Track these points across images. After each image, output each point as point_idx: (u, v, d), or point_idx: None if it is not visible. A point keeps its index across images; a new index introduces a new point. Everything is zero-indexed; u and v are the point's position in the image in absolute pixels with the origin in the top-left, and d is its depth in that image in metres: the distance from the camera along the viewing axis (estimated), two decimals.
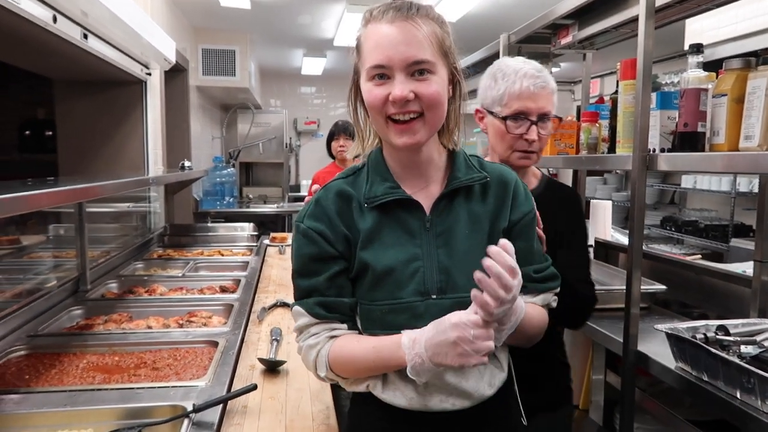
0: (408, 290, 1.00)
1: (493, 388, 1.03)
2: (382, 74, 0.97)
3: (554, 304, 1.10)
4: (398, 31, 0.96)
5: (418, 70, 0.96)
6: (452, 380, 1.00)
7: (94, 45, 2.31)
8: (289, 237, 3.88)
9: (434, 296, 0.99)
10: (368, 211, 1.03)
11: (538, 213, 1.12)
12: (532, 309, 1.03)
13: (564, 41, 2.28)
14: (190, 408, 1.21)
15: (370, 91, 0.99)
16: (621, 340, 1.52)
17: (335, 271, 1.03)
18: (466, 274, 0.94)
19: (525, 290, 0.99)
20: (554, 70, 6.33)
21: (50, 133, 5.40)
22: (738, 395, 1.14)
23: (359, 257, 1.02)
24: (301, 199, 7.71)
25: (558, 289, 1.09)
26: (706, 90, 1.39)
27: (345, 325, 1.04)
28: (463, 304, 0.92)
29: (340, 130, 3.97)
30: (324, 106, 8.53)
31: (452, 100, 1.04)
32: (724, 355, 1.17)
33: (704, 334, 1.28)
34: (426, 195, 1.05)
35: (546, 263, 1.09)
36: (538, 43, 2.49)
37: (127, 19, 2.35)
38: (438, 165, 1.06)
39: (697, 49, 1.45)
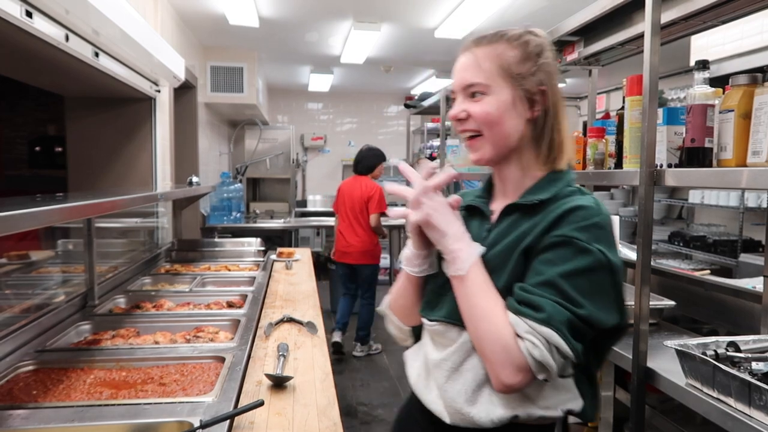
0: (437, 282, 1.10)
1: (485, 417, 0.99)
2: (455, 97, 1.11)
3: (528, 346, 0.92)
4: (463, 60, 1.09)
5: (471, 92, 1.06)
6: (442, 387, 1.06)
7: (105, 63, 2.35)
8: (295, 252, 3.89)
9: (451, 292, 1.04)
10: (464, 216, 1.12)
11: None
12: (494, 306, 0.97)
13: (570, 57, 2.29)
14: (197, 424, 1.20)
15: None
16: (630, 357, 1.51)
17: None
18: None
19: (507, 302, 0.98)
20: (560, 85, 6.36)
21: (60, 149, 5.46)
22: (749, 412, 1.12)
23: None
24: (307, 214, 7.74)
25: (535, 324, 0.92)
26: (712, 106, 1.39)
27: None
28: (449, 303, 1.04)
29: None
30: (331, 122, 8.59)
31: (537, 122, 1.07)
32: (735, 372, 1.16)
33: (715, 351, 1.27)
34: (500, 209, 1.10)
35: (540, 292, 0.94)
36: None
37: (137, 37, 2.38)
38: (521, 185, 1.09)
39: (704, 65, 1.45)
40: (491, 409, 0.99)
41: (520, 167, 1.09)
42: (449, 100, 1.14)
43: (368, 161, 4.80)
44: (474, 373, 1.01)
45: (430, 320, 1.09)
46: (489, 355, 0.96)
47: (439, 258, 1.09)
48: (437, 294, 1.10)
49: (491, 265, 1.02)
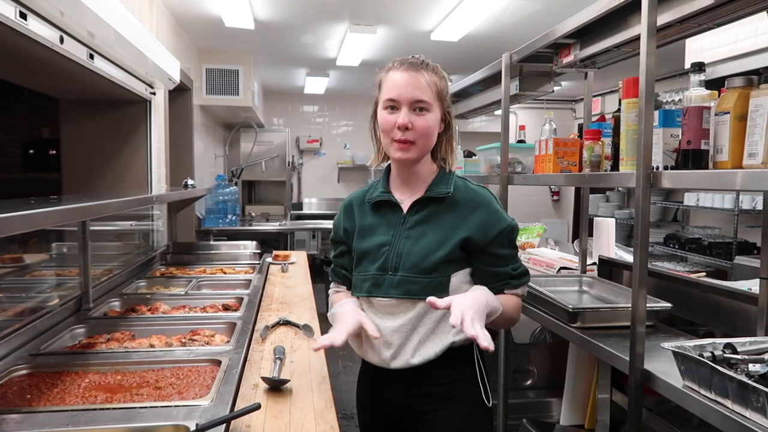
0: (375, 266, 1.41)
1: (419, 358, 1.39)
2: (393, 106, 1.37)
3: (525, 293, 1.47)
4: (409, 77, 1.36)
5: (418, 107, 1.35)
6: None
7: (100, 65, 2.34)
8: (291, 255, 3.88)
9: (390, 273, 1.39)
10: (368, 209, 1.49)
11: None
12: (508, 300, 1.41)
13: (565, 60, 2.29)
14: (192, 428, 1.20)
15: (384, 117, 1.39)
16: (627, 359, 1.51)
17: (341, 251, 1.55)
18: (414, 259, 1.37)
19: (508, 285, 1.41)
20: (555, 88, 6.39)
21: (54, 151, 5.44)
22: (747, 414, 1.12)
23: (355, 242, 1.48)
24: (303, 217, 7.73)
25: (529, 279, 1.47)
26: (708, 108, 1.40)
27: (344, 287, 1.57)
28: (407, 282, 1.37)
29: None
30: (326, 124, 8.59)
31: (444, 133, 1.45)
32: (732, 373, 1.16)
33: (711, 353, 1.27)
34: (409, 200, 1.44)
35: (519, 263, 1.44)
36: (539, 62, 2.51)
37: (132, 39, 2.37)
38: (425, 179, 1.45)
39: (699, 67, 1.46)
40: (427, 352, 1.38)
41: (427, 167, 1.45)
42: None
43: None
44: (425, 329, 1.38)
45: (383, 297, 1.40)
46: (513, 321, 1.47)
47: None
48: (379, 276, 1.40)
49: (428, 240, 1.37)
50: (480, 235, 1.37)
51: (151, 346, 1.79)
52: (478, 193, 1.43)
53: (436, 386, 1.40)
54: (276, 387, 1.56)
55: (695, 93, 1.43)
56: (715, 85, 1.52)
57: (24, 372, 1.56)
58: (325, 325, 1.61)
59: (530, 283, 1.56)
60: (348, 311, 1.40)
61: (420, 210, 1.42)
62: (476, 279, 1.41)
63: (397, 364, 1.40)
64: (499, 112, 2.71)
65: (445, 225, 1.39)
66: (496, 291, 1.39)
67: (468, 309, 1.22)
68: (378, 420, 1.52)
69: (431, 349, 1.37)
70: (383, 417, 1.50)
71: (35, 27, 1.73)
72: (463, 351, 1.41)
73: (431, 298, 1.27)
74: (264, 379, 1.57)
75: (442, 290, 1.35)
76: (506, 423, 2.43)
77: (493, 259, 1.39)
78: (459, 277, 1.39)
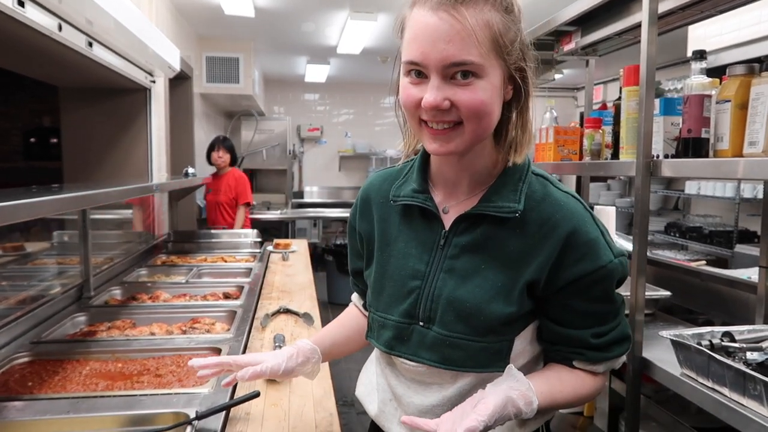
0: (400, 309, 0.94)
1: None
2: (419, 71, 0.83)
3: (620, 365, 0.99)
4: (440, 24, 0.79)
5: (459, 72, 0.81)
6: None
7: (99, 53, 2.33)
8: (292, 243, 3.88)
9: (421, 323, 0.92)
10: (394, 210, 1.00)
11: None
12: (572, 379, 0.94)
13: (567, 48, 2.28)
14: (192, 415, 1.20)
15: (405, 88, 0.86)
16: None
17: (356, 267, 1.13)
18: (460, 310, 0.89)
19: (580, 357, 0.93)
20: (557, 76, 6.35)
21: (55, 140, 5.44)
22: (744, 402, 1.13)
23: (375, 254, 1.01)
24: (304, 205, 7.74)
25: (628, 350, 0.98)
26: (709, 96, 1.39)
27: (363, 301, 1.16)
28: (446, 344, 0.89)
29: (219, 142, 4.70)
30: (327, 113, 8.56)
31: (513, 103, 0.90)
32: (729, 361, 1.16)
33: (710, 341, 1.27)
34: (455, 212, 0.94)
35: (611, 325, 0.93)
36: (540, 49, 2.49)
37: (131, 27, 2.36)
38: (483, 178, 0.93)
39: (701, 55, 1.45)
40: None
41: (487, 158, 0.93)
42: None
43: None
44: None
45: (410, 360, 0.94)
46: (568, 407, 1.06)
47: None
48: (405, 326, 0.94)
49: (483, 284, 0.89)
50: (547, 274, 0.88)
51: (152, 334, 1.80)
52: (563, 206, 0.89)
53: None
54: None
55: (696, 81, 1.42)
56: (719, 73, 1.51)
57: (25, 359, 1.57)
58: (325, 314, 1.62)
59: None
60: (285, 354, 1.06)
61: (469, 229, 0.91)
62: (539, 338, 0.96)
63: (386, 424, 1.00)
64: None
65: (511, 259, 0.89)
66: (560, 359, 0.95)
67: None
68: None
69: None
70: None
71: (33, 15, 1.72)
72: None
73: (407, 419, 0.85)
74: None
75: (501, 360, 0.90)
76: None
77: (568, 315, 0.91)
78: (525, 338, 0.94)
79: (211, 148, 4.74)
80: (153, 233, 3.66)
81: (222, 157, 4.66)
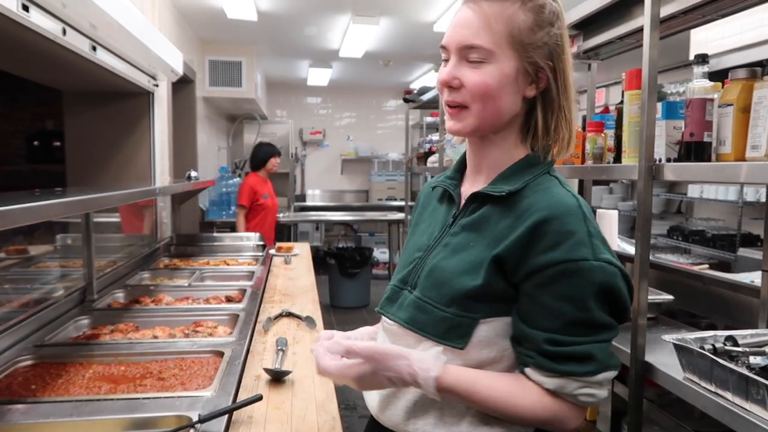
0: (400, 275, 1.03)
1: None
2: (447, 57, 0.95)
3: (587, 399, 0.87)
4: (464, 13, 0.93)
5: (470, 56, 0.91)
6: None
7: (102, 57, 2.34)
8: (294, 247, 3.88)
9: (409, 288, 0.99)
10: (433, 196, 1.10)
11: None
12: (517, 387, 0.88)
13: None
14: (195, 418, 1.21)
15: (439, 71, 0.97)
16: (628, 351, 1.51)
17: None
18: (437, 278, 0.94)
19: (531, 361, 0.87)
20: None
21: (59, 143, 5.45)
22: (747, 407, 1.12)
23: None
24: (307, 208, 7.74)
25: (593, 377, 0.86)
26: (711, 100, 1.39)
27: None
28: (418, 306, 0.94)
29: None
30: (330, 116, 8.58)
31: (540, 99, 0.95)
32: (732, 366, 1.16)
33: (712, 345, 1.27)
34: (469, 192, 1.00)
35: (577, 338, 0.85)
36: None
37: (135, 31, 2.37)
38: (498, 167, 0.98)
39: (703, 59, 1.45)
40: (426, 426, 0.93)
41: (498, 149, 0.98)
42: None
43: (258, 156, 4.91)
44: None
45: (389, 318, 1.01)
46: (544, 427, 0.90)
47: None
48: (397, 290, 1.01)
49: (464, 257, 0.93)
50: (516, 257, 0.87)
51: (155, 337, 1.80)
52: (553, 197, 0.90)
53: None
54: (278, 378, 1.57)
55: (698, 85, 1.42)
56: (721, 76, 1.51)
57: (29, 363, 1.57)
58: (327, 317, 1.62)
59: None
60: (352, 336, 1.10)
61: (475, 210, 0.97)
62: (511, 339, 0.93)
63: (385, 419, 0.99)
64: None
65: (495, 238, 0.91)
66: (520, 363, 0.91)
67: (343, 379, 0.89)
68: None
69: (431, 425, 0.92)
70: None
71: (37, 19, 1.73)
72: None
73: (317, 346, 0.93)
74: (266, 370, 1.58)
75: (459, 337, 0.90)
76: None
77: (531, 308, 0.88)
78: (493, 328, 0.91)
79: (271, 155, 4.82)
80: (156, 236, 3.66)
81: (278, 164, 4.89)
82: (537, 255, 0.86)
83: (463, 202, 1.00)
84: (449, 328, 0.90)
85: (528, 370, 0.88)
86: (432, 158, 4.30)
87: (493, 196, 0.94)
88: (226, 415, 1.26)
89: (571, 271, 0.84)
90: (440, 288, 0.93)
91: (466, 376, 0.88)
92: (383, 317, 1.04)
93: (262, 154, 4.84)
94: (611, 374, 0.87)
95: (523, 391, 0.87)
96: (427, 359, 0.87)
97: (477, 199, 0.97)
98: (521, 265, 0.87)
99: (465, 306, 0.90)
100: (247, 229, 4.62)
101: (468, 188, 1.02)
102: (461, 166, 1.07)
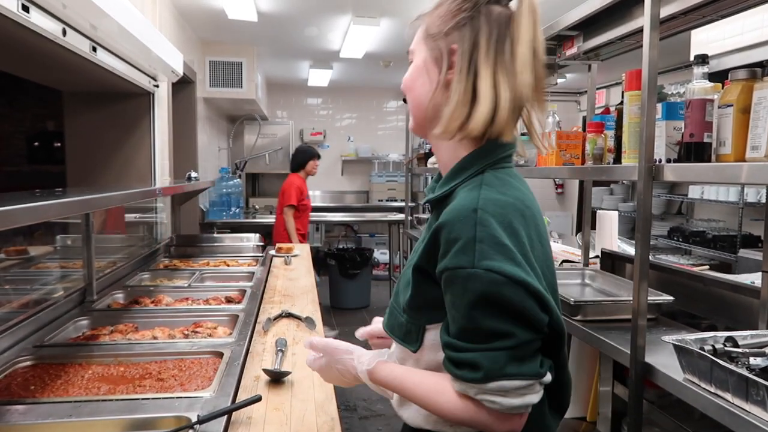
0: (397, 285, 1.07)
1: (411, 421, 0.99)
2: None
3: (491, 406, 0.84)
4: None
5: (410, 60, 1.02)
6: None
7: (102, 58, 2.34)
8: (294, 247, 3.88)
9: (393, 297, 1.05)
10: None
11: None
12: (434, 382, 0.90)
13: (569, 52, 2.28)
14: (194, 419, 1.20)
15: None
16: (628, 352, 1.51)
17: None
18: (398, 288, 1.01)
19: (444, 359, 0.89)
20: (560, 80, 6.34)
21: (59, 144, 5.46)
22: (747, 407, 1.12)
23: None
24: None
25: (484, 384, 0.83)
26: (711, 100, 1.39)
27: None
28: (391, 313, 1.02)
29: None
30: (330, 117, 8.58)
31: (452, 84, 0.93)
32: (732, 367, 1.16)
33: (712, 346, 1.27)
34: None
35: (467, 344, 0.84)
36: None
37: (135, 32, 2.37)
38: (447, 166, 0.98)
39: (703, 59, 1.45)
40: (415, 416, 0.97)
41: (445, 147, 0.97)
42: None
43: (298, 159, 5.19)
44: None
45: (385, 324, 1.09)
46: (470, 426, 0.89)
47: None
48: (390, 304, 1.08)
49: (407, 270, 0.98)
50: (429, 264, 0.90)
51: (154, 338, 1.80)
52: (456, 202, 0.89)
53: None
54: (277, 379, 1.57)
55: (698, 85, 1.42)
56: (721, 77, 1.51)
57: (28, 363, 1.57)
58: (328, 318, 1.62)
59: None
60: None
61: (430, 218, 1.01)
62: None
63: (395, 405, 1.04)
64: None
65: (417, 248, 0.97)
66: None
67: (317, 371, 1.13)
68: None
69: (411, 415, 0.98)
70: None
71: (37, 19, 1.73)
72: None
73: (308, 340, 1.13)
74: (266, 371, 1.58)
75: (413, 341, 0.95)
76: None
77: (448, 311, 0.89)
78: (437, 333, 0.91)
79: (311, 157, 5.06)
80: (155, 237, 3.67)
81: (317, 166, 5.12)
82: (437, 262, 0.87)
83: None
84: (405, 333, 0.96)
85: (444, 365, 0.89)
86: (432, 159, 4.30)
87: (432, 202, 0.97)
88: (226, 416, 1.26)
89: (451, 279, 0.84)
90: (398, 295, 1.00)
91: (397, 372, 0.96)
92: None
93: (303, 157, 5.11)
94: (510, 383, 0.82)
95: (443, 391, 0.88)
96: (367, 355, 1.01)
97: (428, 206, 1.01)
98: (432, 271, 0.89)
99: (410, 314, 0.95)
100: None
101: None
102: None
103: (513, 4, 0.93)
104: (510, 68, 0.90)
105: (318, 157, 5.19)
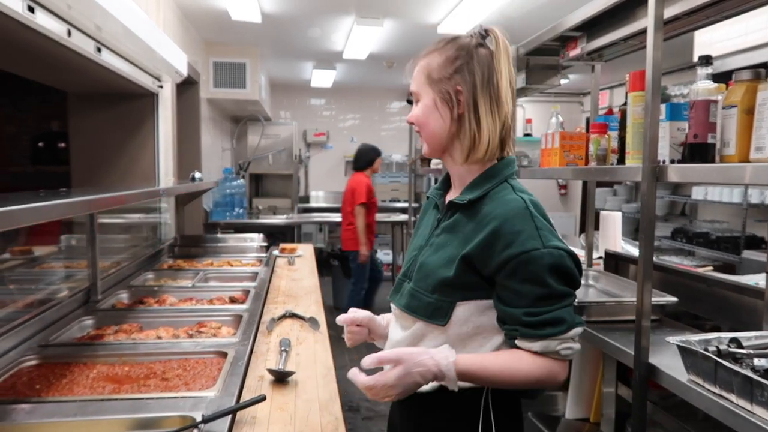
0: (403, 270, 1.27)
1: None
2: None
3: (567, 351, 1.09)
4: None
5: (414, 98, 1.23)
6: None
7: (107, 58, 2.35)
8: (298, 248, 3.89)
9: (408, 280, 1.24)
10: (429, 204, 1.33)
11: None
12: (515, 358, 1.09)
13: (572, 53, 2.28)
14: (199, 419, 1.21)
15: None
16: (632, 353, 1.51)
17: None
18: (425, 272, 1.18)
19: (517, 334, 1.09)
20: (563, 81, 6.34)
21: (63, 145, 5.47)
22: (751, 409, 1.12)
23: None
24: (310, 210, 7.74)
25: (566, 333, 1.08)
26: (715, 101, 1.39)
27: None
28: (413, 295, 1.19)
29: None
30: (333, 117, 8.58)
31: (462, 119, 1.17)
32: (737, 368, 1.16)
33: (717, 347, 1.26)
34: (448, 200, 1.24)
35: (545, 308, 1.07)
36: (546, 55, 2.50)
37: (139, 32, 2.38)
38: (466, 179, 1.21)
39: (707, 60, 1.45)
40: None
41: (453, 161, 1.22)
42: None
43: (365, 157, 5.21)
44: None
45: (395, 305, 1.26)
46: (539, 384, 1.10)
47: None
48: (401, 282, 1.27)
49: (442, 254, 1.16)
50: (483, 257, 1.10)
51: (159, 337, 1.81)
52: (502, 202, 1.13)
53: (428, 420, 1.20)
54: (281, 379, 1.57)
55: (702, 86, 1.42)
56: (725, 78, 1.51)
57: (33, 363, 1.58)
58: (331, 318, 1.62)
59: None
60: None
61: (452, 215, 1.20)
62: (497, 320, 1.15)
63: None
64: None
65: (463, 239, 1.14)
66: (509, 339, 1.12)
67: (387, 390, 1.07)
68: None
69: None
70: None
71: (43, 20, 1.74)
72: (466, 394, 1.13)
73: (352, 372, 1.10)
74: (270, 371, 1.59)
75: (441, 316, 1.14)
76: None
77: (506, 294, 1.09)
78: (468, 309, 1.13)
79: (377, 155, 5.10)
80: (160, 237, 3.67)
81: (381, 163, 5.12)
82: (498, 253, 1.08)
83: (445, 208, 1.23)
84: (434, 311, 1.15)
85: (517, 342, 1.09)
86: (435, 160, 4.30)
87: (460, 204, 1.17)
88: (230, 416, 1.26)
89: (525, 261, 1.06)
90: (426, 279, 1.17)
91: (474, 357, 1.10)
92: (391, 304, 1.28)
93: (370, 155, 5.14)
94: (579, 329, 1.10)
95: (520, 359, 1.09)
96: (443, 350, 1.09)
97: (452, 206, 1.20)
98: (488, 262, 1.09)
99: (444, 292, 1.14)
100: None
101: (449, 198, 1.25)
102: (446, 179, 1.30)
103: (490, 45, 1.16)
104: (497, 99, 1.15)
105: (381, 154, 5.26)
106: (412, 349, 1.11)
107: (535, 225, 1.09)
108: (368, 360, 1.08)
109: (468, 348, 1.14)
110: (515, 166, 1.23)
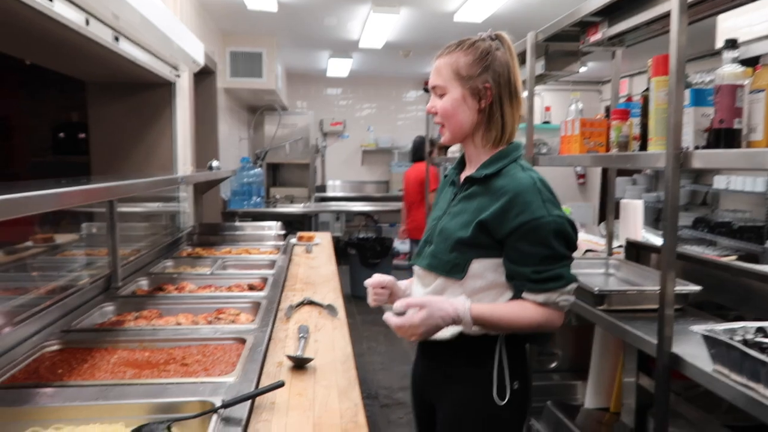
0: (425, 236, 1.47)
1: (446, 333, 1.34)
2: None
3: (564, 303, 1.31)
4: (433, 66, 1.41)
5: (438, 91, 1.39)
6: None
7: (125, 48, 2.36)
8: (315, 236, 3.90)
9: (429, 244, 1.43)
10: (446, 182, 1.53)
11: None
12: (522, 307, 1.31)
13: (593, 39, 2.24)
14: (218, 404, 1.22)
15: None
16: (654, 342, 1.49)
17: None
18: (445, 235, 1.38)
19: (525, 288, 1.31)
20: (582, 69, 6.25)
21: (83, 135, 5.53)
22: None
23: None
24: (327, 199, 7.75)
25: (565, 288, 1.30)
26: (742, 86, 1.35)
27: None
28: (434, 255, 1.39)
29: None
30: (350, 107, 8.57)
31: (488, 110, 1.36)
32: (764, 358, 1.14)
33: (743, 337, 1.24)
34: (464, 176, 1.43)
35: (549, 267, 1.28)
36: (565, 41, 2.46)
37: (157, 22, 2.38)
38: (482, 158, 1.41)
39: (733, 44, 1.41)
40: (447, 329, 1.32)
41: (474, 146, 1.42)
42: None
43: (423, 148, 5.13)
44: None
45: (417, 266, 1.45)
46: (539, 329, 1.32)
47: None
48: (423, 246, 1.46)
49: (459, 220, 1.36)
50: (497, 222, 1.30)
51: (178, 324, 1.82)
52: (515, 179, 1.32)
53: (448, 367, 1.40)
54: (300, 365, 1.57)
55: (728, 70, 1.38)
56: (749, 64, 1.47)
57: (56, 347, 1.60)
58: (349, 306, 1.62)
59: None
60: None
61: (468, 189, 1.40)
62: (507, 277, 1.35)
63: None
64: (524, 93, 2.67)
65: (478, 207, 1.34)
66: (516, 292, 1.33)
67: (413, 329, 1.26)
68: (415, 397, 1.59)
69: (442, 331, 1.32)
70: (417, 393, 1.56)
71: (61, 9, 1.75)
72: (481, 341, 1.34)
73: (386, 315, 1.30)
74: (288, 357, 1.59)
75: (459, 272, 1.33)
76: (531, 405, 2.42)
77: (516, 254, 1.30)
78: (482, 265, 1.33)
79: (432, 144, 4.93)
80: (178, 225, 3.70)
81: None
82: (511, 220, 1.28)
83: (461, 184, 1.43)
84: (452, 267, 1.35)
85: (524, 294, 1.31)
86: (452, 148, 4.27)
87: (477, 179, 1.37)
88: (249, 401, 1.27)
89: (534, 227, 1.27)
90: (446, 241, 1.36)
91: (487, 305, 1.32)
92: (414, 266, 1.47)
93: (425, 146, 5.05)
94: (575, 284, 1.32)
95: (525, 308, 1.31)
96: (460, 299, 1.29)
97: (469, 181, 1.40)
98: (502, 227, 1.30)
99: (461, 251, 1.34)
100: None
101: (465, 174, 1.44)
102: (461, 160, 1.50)
103: (502, 47, 1.37)
104: (515, 94, 1.37)
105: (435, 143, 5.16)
106: (435, 297, 1.32)
107: (542, 198, 1.30)
108: (399, 303, 1.29)
109: (483, 302, 1.32)
110: (522, 149, 1.43)
